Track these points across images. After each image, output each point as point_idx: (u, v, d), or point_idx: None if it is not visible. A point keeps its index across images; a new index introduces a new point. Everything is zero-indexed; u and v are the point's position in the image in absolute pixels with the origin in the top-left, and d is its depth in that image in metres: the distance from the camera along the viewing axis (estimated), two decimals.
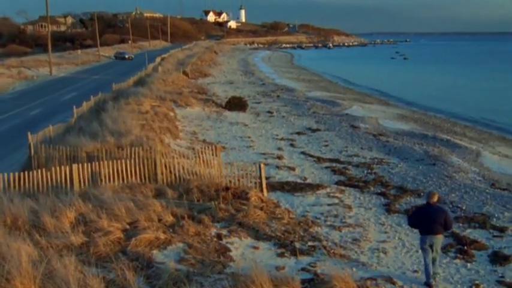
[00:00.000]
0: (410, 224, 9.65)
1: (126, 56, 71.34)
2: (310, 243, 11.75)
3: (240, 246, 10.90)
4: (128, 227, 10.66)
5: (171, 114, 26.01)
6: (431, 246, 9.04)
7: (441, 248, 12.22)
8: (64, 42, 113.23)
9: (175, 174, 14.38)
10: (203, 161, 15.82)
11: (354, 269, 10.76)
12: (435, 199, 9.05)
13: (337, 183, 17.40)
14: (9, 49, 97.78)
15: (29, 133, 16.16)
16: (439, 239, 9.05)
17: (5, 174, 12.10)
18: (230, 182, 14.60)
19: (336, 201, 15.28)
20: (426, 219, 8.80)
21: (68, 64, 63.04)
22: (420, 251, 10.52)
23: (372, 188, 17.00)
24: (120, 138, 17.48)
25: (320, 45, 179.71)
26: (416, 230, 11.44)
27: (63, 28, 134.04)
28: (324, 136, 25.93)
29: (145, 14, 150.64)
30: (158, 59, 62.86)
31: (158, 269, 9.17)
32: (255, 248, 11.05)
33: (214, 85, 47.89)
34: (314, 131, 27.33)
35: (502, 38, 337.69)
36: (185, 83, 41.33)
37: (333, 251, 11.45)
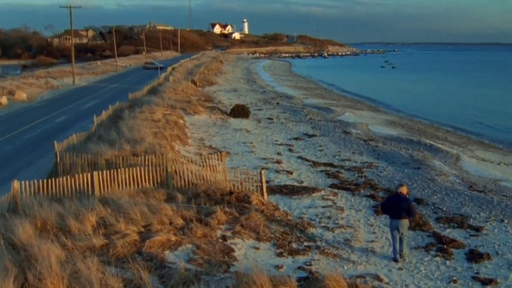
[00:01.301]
0: (383, 209, 10.85)
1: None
2: (306, 244, 11.90)
3: (242, 247, 11.05)
4: (142, 229, 10.82)
5: (181, 121, 26.16)
6: (397, 229, 9.98)
7: (422, 246, 12.38)
8: (85, 53, 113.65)
9: (184, 180, 14.52)
10: (209, 166, 15.96)
11: (345, 267, 10.90)
12: (403, 190, 9.80)
13: (331, 186, 17.53)
14: (38, 60, 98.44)
15: (55, 142, 16.35)
16: (404, 223, 9.88)
17: (35, 181, 12.28)
18: (234, 185, 14.73)
19: (330, 203, 15.42)
20: (394, 206, 9.77)
21: (89, 74, 63.31)
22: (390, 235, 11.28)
23: (362, 191, 17.14)
24: (135, 146, 17.65)
25: (316, 54, 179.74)
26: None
27: (84, 40, 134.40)
28: (319, 141, 26.06)
29: (158, 27, 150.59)
30: (169, 69, 62.99)
31: (170, 269, 9.33)
32: (256, 248, 11.19)
33: (219, 93, 48.02)
34: (310, 136, 27.44)
35: (482, 48, 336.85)
36: (193, 92, 41.49)
37: (326, 250, 11.58)
